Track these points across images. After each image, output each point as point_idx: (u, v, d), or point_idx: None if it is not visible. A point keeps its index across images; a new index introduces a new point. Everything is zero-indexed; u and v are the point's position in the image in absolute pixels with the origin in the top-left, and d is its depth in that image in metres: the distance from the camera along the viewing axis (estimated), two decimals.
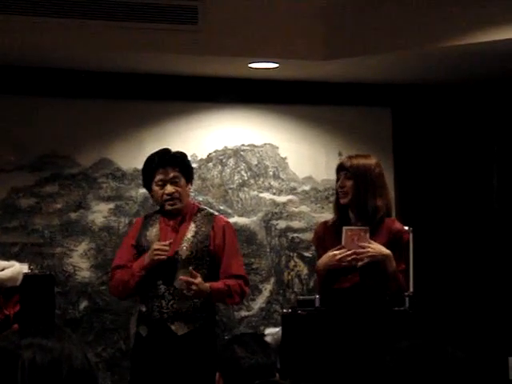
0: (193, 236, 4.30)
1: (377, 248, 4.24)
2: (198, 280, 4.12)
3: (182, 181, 4.30)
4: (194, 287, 4.10)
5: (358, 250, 4.23)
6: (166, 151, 4.39)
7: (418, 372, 1.66)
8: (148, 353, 4.26)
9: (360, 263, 4.24)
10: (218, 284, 4.23)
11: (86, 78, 5.69)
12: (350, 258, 4.24)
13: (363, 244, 4.23)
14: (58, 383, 1.51)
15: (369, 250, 4.23)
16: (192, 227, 4.32)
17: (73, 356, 1.54)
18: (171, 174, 4.25)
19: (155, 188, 4.29)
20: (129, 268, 4.31)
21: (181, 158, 4.39)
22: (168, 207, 4.28)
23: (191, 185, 4.44)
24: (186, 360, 4.22)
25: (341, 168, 4.37)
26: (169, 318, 4.24)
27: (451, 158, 6.49)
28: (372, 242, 4.25)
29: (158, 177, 4.26)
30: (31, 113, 5.66)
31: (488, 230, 6.37)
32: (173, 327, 4.24)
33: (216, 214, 4.51)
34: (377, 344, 4.15)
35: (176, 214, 4.31)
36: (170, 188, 4.24)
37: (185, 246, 4.29)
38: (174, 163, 4.30)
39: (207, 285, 4.17)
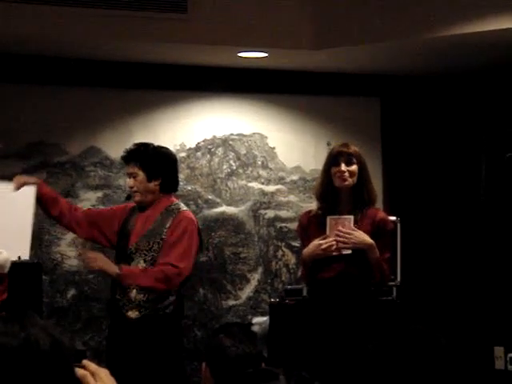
0: (153, 229, 4.40)
1: (360, 236, 4.26)
2: (100, 256, 4.38)
3: (141, 176, 4.42)
4: (98, 263, 4.32)
5: (340, 239, 4.25)
6: (132, 148, 4.53)
7: (402, 360, 1.67)
8: (109, 340, 4.58)
9: (344, 252, 4.26)
10: (132, 267, 4.37)
11: (75, 66, 5.67)
12: (334, 248, 4.26)
13: (347, 231, 4.25)
14: (26, 367, 1.52)
15: (351, 237, 4.24)
16: (158, 220, 4.42)
17: (40, 339, 1.54)
18: (129, 170, 4.48)
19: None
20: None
21: (142, 154, 4.47)
22: (133, 199, 4.50)
23: (158, 180, 4.43)
24: (138, 345, 4.36)
25: (341, 154, 4.36)
26: (124, 306, 4.38)
27: (439, 148, 6.51)
28: (356, 230, 4.27)
29: (126, 171, 4.55)
30: (19, 100, 5.64)
31: (475, 219, 6.39)
32: (127, 314, 4.38)
33: (184, 209, 4.52)
34: (364, 333, 4.16)
35: (145, 206, 4.46)
36: (127, 181, 4.51)
37: (144, 237, 4.40)
38: (132, 158, 4.47)
39: (115, 266, 4.35)
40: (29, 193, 4.44)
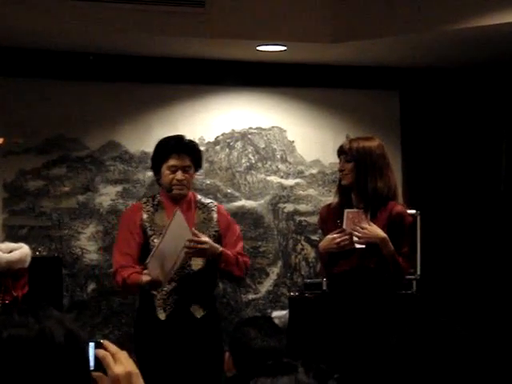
0: (202, 222, 4.35)
1: (373, 230, 4.22)
2: (205, 238, 4.18)
3: (192, 170, 4.34)
4: (205, 245, 4.13)
5: (354, 233, 4.23)
6: (181, 137, 4.40)
7: (423, 353, 1.66)
8: (168, 336, 4.28)
9: (358, 246, 4.23)
10: (228, 251, 4.29)
11: (94, 61, 5.69)
12: (347, 242, 4.23)
13: (360, 225, 4.23)
14: (41, 359, 1.52)
15: (365, 232, 4.22)
16: (199, 214, 4.37)
17: (54, 332, 1.55)
18: (186, 162, 4.29)
19: (166, 172, 4.29)
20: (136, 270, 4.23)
21: (196, 147, 4.43)
22: (176, 191, 4.30)
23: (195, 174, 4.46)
24: (202, 341, 4.30)
25: (341, 151, 4.37)
26: (187, 301, 4.29)
27: (459, 141, 6.48)
28: (371, 224, 4.24)
29: (172, 162, 4.27)
30: (39, 95, 5.66)
31: (495, 213, 6.37)
32: (191, 310, 4.30)
33: (216, 203, 4.56)
34: (384, 327, 4.15)
35: (179, 199, 4.34)
36: (180, 175, 4.27)
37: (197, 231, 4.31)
38: (188, 151, 4.33)
39: (218, 246, 4.23)
40: (178, 218, 4.16)
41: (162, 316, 4.29)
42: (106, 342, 1.80)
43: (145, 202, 4.40)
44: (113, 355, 1.77)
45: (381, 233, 4.21)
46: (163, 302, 4.29)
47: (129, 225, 4.34)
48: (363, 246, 4.24)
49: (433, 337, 1.66)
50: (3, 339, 1.52)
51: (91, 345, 1.78)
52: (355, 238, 4.24)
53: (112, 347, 1.79)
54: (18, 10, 4.90)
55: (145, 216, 4.32)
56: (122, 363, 1.76)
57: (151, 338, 4.32)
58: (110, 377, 1.74)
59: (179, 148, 4.29)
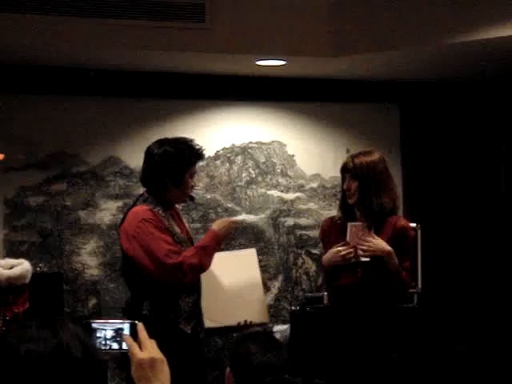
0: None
1: (379, 244, 4.21)
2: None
3: None
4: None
5: (359, 246, 4.22)
6: (194, 141, 4.33)
7: (424, 368, 1.66)
8: (193, 348, 4.18)
9: (363, 259, 4.23)
10: None
11: (95, 77, 5.70)
12: (352, 255, 4.23)
13: (365, 239, 4.22)
14: (58, 374, 1.51)
15: (370, 245, 4.21)
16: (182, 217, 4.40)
17: (71, 346, 1.54)
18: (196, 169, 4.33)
19: (189, 180, 4.19)
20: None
21: None
22: (193, 195, 4.30)
23: None
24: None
25: (345, 169, 4.33)
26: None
27: (459, 154, 6.48)
28: (376, 237, 4.24)
29: (194, 169, 4.23)
30: (39, 111, 5.67)
31: (496, 227, 6.36)
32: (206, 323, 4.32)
33: None
34: (385, 341, 4.14)
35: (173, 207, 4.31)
36: (196, 179, 4.32)
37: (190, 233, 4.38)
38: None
39: None
40: (251, 254, 4.38)
41: (187, 329, 4.15)
42: (140, 326, 1.89)
43: (157, 214, 4.14)
44: (141, 342, 1.84)
45: (386, 246, 4.21)
46: (189, 315, 4.16)
47: (158, 227, 4.09)
48: (368, 259, 4.24)
49: (433, 352, 1.66)
50: (21, 354, 1.51)
51: (127, 326, 1.88)
52: (360, 252, 4.24)
53: (142, 333, 1.87)
54: (18, 26, 4.91)
55: (167, 223, 4.15)
56: (148, 350, 1.83)
57: (177, 351, 4.01)
58: (134, 362, 1.81)
59: (202, 153, 4.26)
